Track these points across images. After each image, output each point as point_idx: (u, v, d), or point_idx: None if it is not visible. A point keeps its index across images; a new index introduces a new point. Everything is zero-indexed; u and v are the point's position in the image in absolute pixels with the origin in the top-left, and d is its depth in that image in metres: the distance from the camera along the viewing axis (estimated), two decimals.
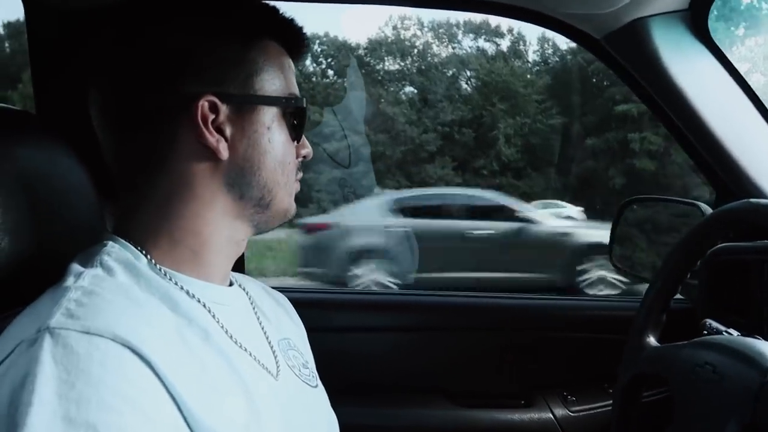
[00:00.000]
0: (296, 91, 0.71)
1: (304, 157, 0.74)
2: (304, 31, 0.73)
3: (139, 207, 0.66)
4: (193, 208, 0.66)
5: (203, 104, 0.64)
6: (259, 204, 0.69)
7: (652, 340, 0.94)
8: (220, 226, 0.68)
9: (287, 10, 0.73)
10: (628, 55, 1.11)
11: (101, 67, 0.67)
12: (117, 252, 0.63)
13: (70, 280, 0.59)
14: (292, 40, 0.73)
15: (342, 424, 0.82)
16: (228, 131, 0.65)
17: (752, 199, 0.80)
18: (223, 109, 0.65)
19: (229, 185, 0.67)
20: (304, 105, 0.71)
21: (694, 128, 1.11)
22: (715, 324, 0.99)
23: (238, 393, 0.62)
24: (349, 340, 1.34)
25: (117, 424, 0.50)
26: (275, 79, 0.69)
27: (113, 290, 0.59)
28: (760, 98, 1.12)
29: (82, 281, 0.58)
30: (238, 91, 0.66)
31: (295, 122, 0.70)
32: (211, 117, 0.64)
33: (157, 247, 0.65)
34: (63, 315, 0.54)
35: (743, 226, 0.86)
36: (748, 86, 1.13)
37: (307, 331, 0.88)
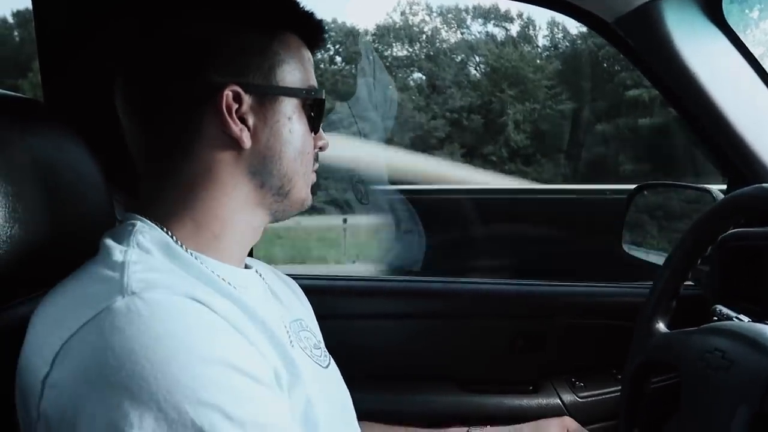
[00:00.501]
0: (315, 83, 0.73)
1: (321, 148, 0.76)
2: (321, 22, 0.75)
3: (163, 192, 0.68)
4: (216, 194, 0.68)
5: (227, 94, 0.65)
6: (279, 193, 0.71)
7: (661, 327, 0.94)
8: (241, 212, 0.70)
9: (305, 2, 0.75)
10: (639, 38, 1.10)
11: (125, 57, 0.68)
12: (149, 232, 0.65)
13: (117, 255, 0.60)
14: (312, 32, 0.74)
15: None
16: (251, 121, 0.67)
17: (765, 185, 0.79)
18: (247, 99, 0.67)
19: (252, 173, 0.69)
20: (323, 97, 0.72)
21: (706, 113, 1.10)
22: (725, 310, 0.99)
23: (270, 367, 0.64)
24: (356, 327, 1.34)
25: (242, 356, 0.56)
26: (296, 71, 0.71)
27: (160, 268, 0.61)
28: None
29: (129, 257, 0.60)
30: (261, 82, 0.68)
31: (313, 114, 0.72)
32: (235, 107, 0.66)
33: (182, 229, 0.67)
34: (137, 282, 0.56)
35: (755, 212, 0.85)
36: (764, 71, 1.11)
37: None
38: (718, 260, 1.20)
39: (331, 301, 1.32)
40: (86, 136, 0.74)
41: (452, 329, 1.35)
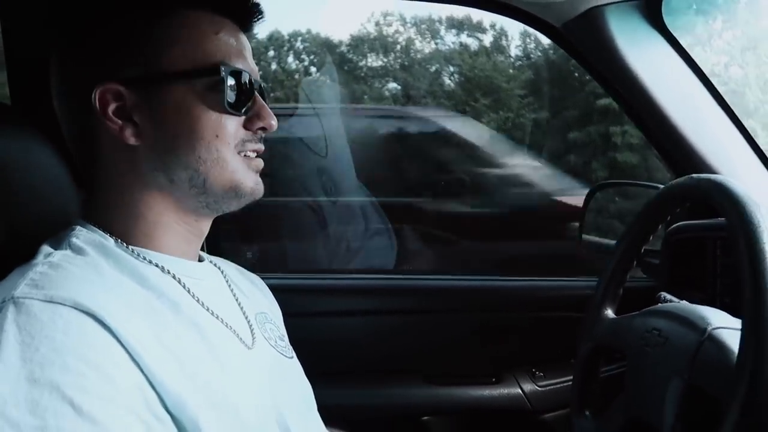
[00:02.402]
0: (227, 59, 0.66)
1: (263, 129, 0.70)
2: None
3: (94, 194, 0.69)
4: (134, 194, 0.67)
5: (101, 93, 0.63)
6: (194, 185, 0.67)
7: (609, 313, 0.99)
8: (164, 208, 0.68)
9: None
10: (585, 42, 1.16)
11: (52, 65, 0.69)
12: (85, 234, 0.65)
13: (39, 258, 0.61)
14: (220, 2, 0.68)
15: (319, 405, 0.85)
16: (136, 116, 0.64)
17: (694, 175, 0.85)
18: (128, 94, 0.64)
19: (153, 170, 0.66)
20: (224, 75, 0.65)
21: (649, 112, 1.16)
22: (669, 296, 1.05)
23: (210, 360, 0.64)
24: (322, 324, 1.38)
25: (79, 384, 0.52)
26: (192, 52, 0.65)
27: (81, 266, 0.61)
28: (713, 83, 1.17)
29: (52, 258, 0.61)
30: (142, 74, 0.64)
31: (227, 94, 0.65)
32: (115, 104, 0.64)
33: (117, 228, 0.67)
34: (27, 285, 0.56)
35: (688, 200, 0.91)
36: (702, 72, 1.18)
37: (283, 317, 0.90)
38: (667, 252, 1.26)
39: (297, 299, 1.35)
40: (56, 139, 0.75)
41: (417, 324, 1.39)
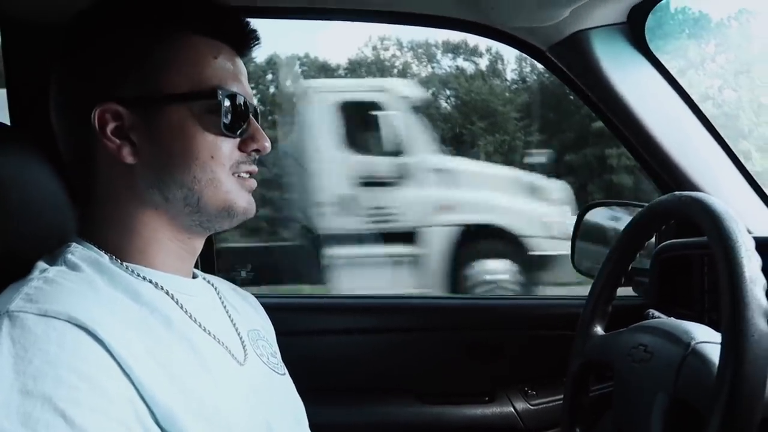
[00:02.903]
0: (224, 83, 0.68)
1: (257, 150, 0.72)
2: (234, 14, 0.71)
3: (90, 211, 0.71)
4: (129, 210, 0.69)
5: (100, 113, 0.65)
6: (188, 204, 0.68)
7: (598, 330, 1.00)
8: (158, 226, 0.69)
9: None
10: (571, 65, 1.19)
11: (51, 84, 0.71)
12: (81, 251, 0.67)
13: (35, 273, 0.62)
14: (220, 28, 0.69)
15: (312, 424, 0.85)
16: (134, 135, 0.66)
17: (677, 192, 0.86)
18: (126, 114, 0.66)
19: (149, 187, 0.68)
20: (221, 98, 0.67)
21: (635, 132, 1.19)
22: (656, 313, 1.06)
23: (201, 375, 0.65)
24: (316, 343, 1.38)
25: (72, 397, 0.53)
26: (191, 75, 0.67)
27: (75, 281, 0.63)
28: (697, 103, 1.20)
29: (47, 273, 0.62)
30: (141, 94, 0.66)
31: (222, 117, 0.67)
32: (114, 124, 0.66)
33: (111, 245, 0.69)
34: (22, 299, 0.57)
35: (671, 218, 0.93)
36: (685, 93, 1.21)
37: (276, 335, 0.91)
38: (656, 270, 1.27)
39: (291, 318, 1.36)
40: (54, 157, 0.77)
41: (410, 343, 1.40)
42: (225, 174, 0.69)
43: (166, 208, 0.69)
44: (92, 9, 0.69)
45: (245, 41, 0.73)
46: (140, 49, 0.67)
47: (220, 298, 0.81)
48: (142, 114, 0.66)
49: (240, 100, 0.69)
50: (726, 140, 1.21)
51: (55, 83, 0.70)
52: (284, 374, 0.84)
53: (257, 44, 0.74)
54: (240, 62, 0.73)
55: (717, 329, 0.82)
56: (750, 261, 0.68)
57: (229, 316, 0.79)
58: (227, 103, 0.67)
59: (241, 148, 0.71)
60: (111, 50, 0.67)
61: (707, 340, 0.77)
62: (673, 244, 1.22)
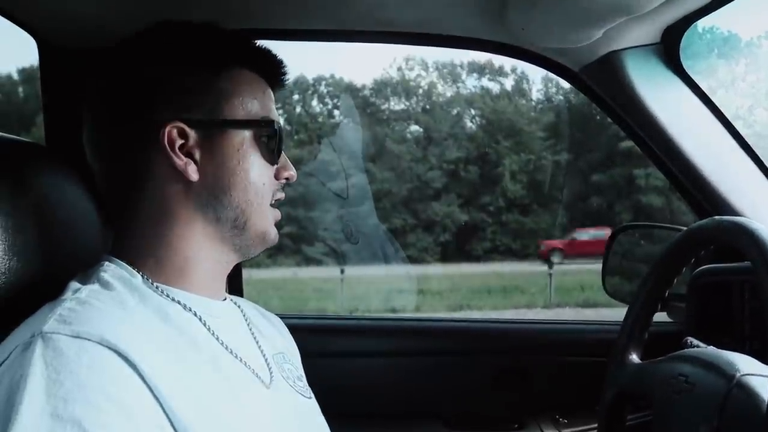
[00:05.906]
0: (271, 115, 0.75)
1: (287, 179, 0.77)
2: (279, 59, 0.78)
3: (129, 229, 0.72)
4: (175, 229, 0.70)
5: (169, 130, 0.68)
6: (236, 225, 0.72)
7: (634, 358, 0.97)
8: (202, 247, 0.72)
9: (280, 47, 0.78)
10: (604, 86, 1.17)
11: (89, 102, 0.73)
12: (113, 270, 0.68)
13: (68, 294, 0.64)
14: (267, 68, 0.77)
15: None
16: (197, 154, 0.70)
17: (716, 216, 0.84)
18: (192, 134, 0.69)
19: (204, 206, 0.71)
20: (276, 128, 0.74)
21: (670, 154, 1.16)
22: (695, 341, 1.02)
23: (228, 398, 0.65)
24: (343, 365, 1.37)
25: (101, 421, 0.54)
26: (247, 105, 0.72)
27: (107, 301, 0.64)
28: (734, 125, 1.17)
29: (80, 294, 0.63)
30: (206, 117, 0.70)
31: (270, 145, 0.73)
32: (180, 142, 0.69)
33: (147, 265, 0.70)
34: (56, 321, 0.58)
35: (711, 243, 0.90)
36: (722, 113, 1.18)
37: (301, 357, 0.91)
38: (693, 296, 1.23)
39: (318, 340, 1.35)
40: (87, 178, 0.78)
41: (438, 367, 1.37)
42: (268, 201, 0.75)
43: (215, 228, 0.72)
44: (157, 38, 0.73)
45: (281, 80, 0.80)
46: (206, 78, 0.71)
47: (246, 321, 0.81)
48: (206, 134, 0.70)
49: (281, 132, 0.75)
50: (764, 162, 1.18)
51: (103, 103, 0.72)
52: (310, 398, 0.84)
53: (286, 83, 0.81)
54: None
55: (760, 359, 0.79)
56: None
57: (255, 339, 0.80)
58: (278, 133, 0.73)
59: (276, 176, 0.76)
60: (181, 75, 0.71)
61: (753, 372, 0.74)
62: (713, 269, 1.19)
